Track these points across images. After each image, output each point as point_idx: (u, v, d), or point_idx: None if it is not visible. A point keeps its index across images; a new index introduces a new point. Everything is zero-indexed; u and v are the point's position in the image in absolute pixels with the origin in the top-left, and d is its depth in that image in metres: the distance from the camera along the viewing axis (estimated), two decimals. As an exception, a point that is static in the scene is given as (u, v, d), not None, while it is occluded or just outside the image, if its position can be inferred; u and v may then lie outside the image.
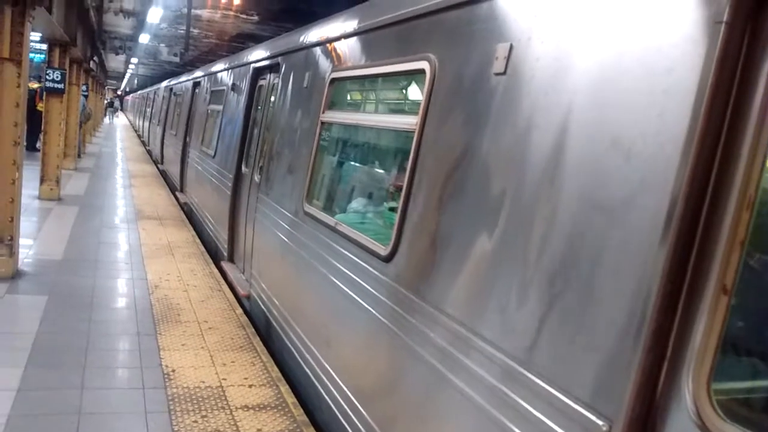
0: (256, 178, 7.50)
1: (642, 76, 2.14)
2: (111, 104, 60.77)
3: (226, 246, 8.69)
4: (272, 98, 7.49)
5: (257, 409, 4.75)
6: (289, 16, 16.64)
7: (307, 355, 4.92)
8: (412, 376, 3.32)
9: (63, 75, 13.77)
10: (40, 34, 13.93)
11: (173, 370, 5.25)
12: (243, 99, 8.94)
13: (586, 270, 2.25)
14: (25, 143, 7.96)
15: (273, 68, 7.69)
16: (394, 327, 3.54)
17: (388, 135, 5.03)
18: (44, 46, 15.32)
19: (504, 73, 2.89)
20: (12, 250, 7.31)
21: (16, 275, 7.40)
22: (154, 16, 18.44)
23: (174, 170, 16.18)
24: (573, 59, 2.50)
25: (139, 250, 9.39)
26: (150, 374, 5.17)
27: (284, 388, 5.12)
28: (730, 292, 1.82)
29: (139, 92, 50.47)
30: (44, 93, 14.25)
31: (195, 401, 4.75)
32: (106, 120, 52.96)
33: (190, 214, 12.70)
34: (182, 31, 21.05)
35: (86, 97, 22.78)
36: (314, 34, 6.20)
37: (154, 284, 7.69)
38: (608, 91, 2.29)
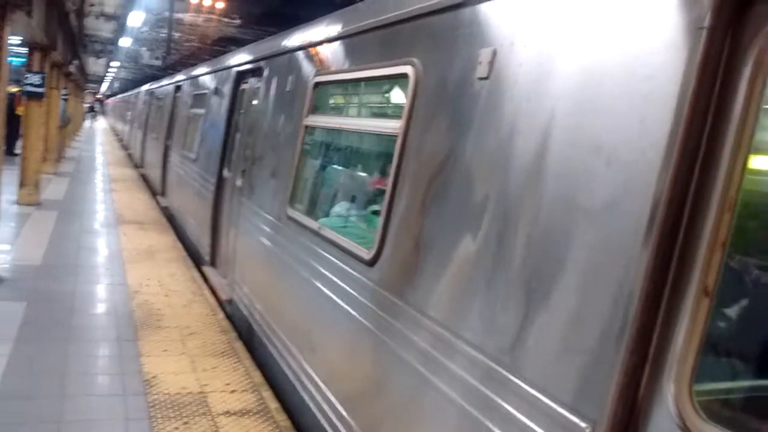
0: (239, 182, 7.47)
1: (624, 81, 2.16)
2: (92, 108, 60.29)
3: (208, 250, 8.63)
4: (255, 102, 7.46)
5: (239, 415, 4.71)
6: (272, 20, 16.61)
7: (290, 360, 4.90)
8: (396, 379, 3.32)
9: (43, 79, 13.64)
10: (20, 38, 13.77)
11: (154, 377, 5.21)
12: (225, 103, 8.90)
13: (568, 273, 2.26)
14: (4, 147, 7.86)
15: (255, 72, 7.66)
16: (377, 331, 3.53)
17: (371, 139, 5.03)
18: (24, 50, 15.15)
19: (487, 77, 2.90)
20: (-10, 255, 7.22)
21: (-7, 281, 7.31)
22: (136, 19, 18.33)
23: (155, 174, 16.06)
24: (556, 64, 2.51)
25: (119, 254, 9.31)
26: (130, 381, 5.11)
27: (267, 394, 5.09)
28: (711, 294, 1.83)
29: (119, 96, 50.11)
30: (23, 97, 14.09)
31: (176, 408, 4.71)
32: (87, 124, 52.53)
33: (171, 219, 12.61)
34: (164, 35, 20.96)
35: (66, 101, 22.56)
36: (297, 38, 6.19)
37: (135, 289, 7.62)
38: (591, 96, 2.31)
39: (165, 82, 18.11)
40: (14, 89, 18.54)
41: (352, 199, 5.10)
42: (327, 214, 5.20)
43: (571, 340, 2.20)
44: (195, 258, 9.54)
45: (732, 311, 2.60)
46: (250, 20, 18.48)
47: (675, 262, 1.90)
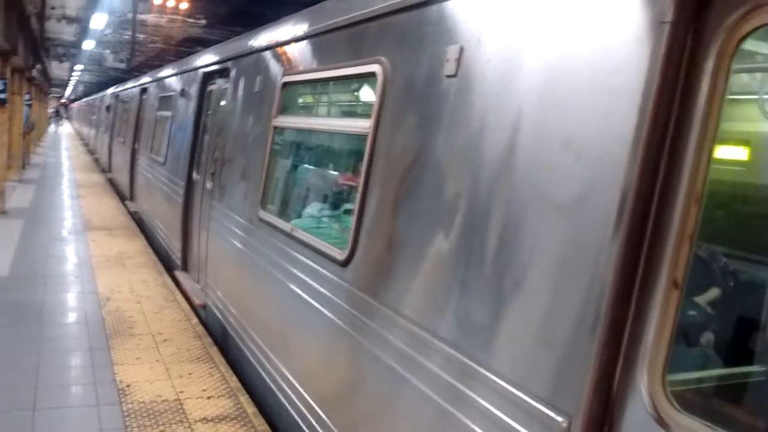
0: (208, 185, 7.39)
1: (590, 77, 2.18)
2: (57, 113, 59.28)
3: (179, 255, 8.54)
4: (223, 103, 7.39)
5: (217, 420, 4.67)
6: (238, 20, 16.45)
7: (267, 364, 4.87)
8: (373, 379, 3.31)
9: (5, 85, 13.35)
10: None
11: (128, 385, 5.14)
12: (192, 105, 8.81)
13: (540, 268, 2.28)
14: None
15: (222, 73, 7.59)
16: (353, 331, 3.52)
17: (341, 139, 5.02)
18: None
19: (455, 75, 2.91)
20: (-46, 267, 7.06)
21: (-41, 293, 7.15)
22: (98, 21, 18.04)
23: (123, 179, 15.86)
24: (523, 60, 2.53)
25: (88, 262, 9.17)
26: (104, 390, 5.04)
27: (244, 398, 5.05)
28: (681, 286, 1.85)
29: (84, 100, 49.35)
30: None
31: (152, 416, 4.65)
32: (51, 129, 51.63)
33: (141, 223, 12.46)
34: (128, 37, 20.66)
35: (30, 106, 22.15)
36: (264, 37, 6.15)
37: (106, 297, 7.51)
38: (558, 92, 2.32)
39: (130, 84, 17.88)
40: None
41: (324, 200, 5.09)
42: (299, 216, 5.17)
43: (544, 335, 2.22)
44: (166, 263, 9.44)
45: (702, 301, 2.64)
46: (216, 20, 18.29)
47: (644, 256, 1.93)
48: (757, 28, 1.79)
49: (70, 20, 18.43)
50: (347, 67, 4.15)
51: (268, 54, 5.86)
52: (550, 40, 2.40)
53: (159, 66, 16.34)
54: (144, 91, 14.19)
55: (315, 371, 4.10)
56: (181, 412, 4.75)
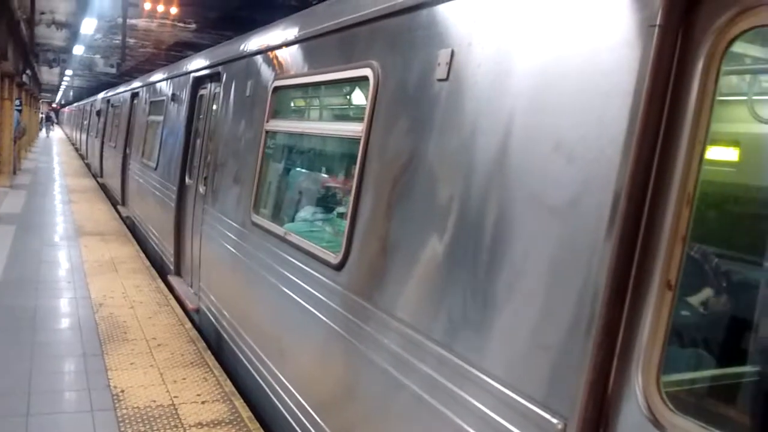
0: (201, 189, 7.38)
1: (581, 80, 2.19)
2: (48, 118, 59.03)
3: (172, 259, 8.52)
4: (214, 108, 7.38)
5: (212, 425, 4.66)
6: (228, 24, 16.43)
7: (261, 368, 4.86)
8: (368, 383, 3.32)
9: (-6, 90, 13.31)
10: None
11: (122, 391, 5.12)
12: (184, 109, 8.79)
13: (534, 270, 2.29)
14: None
15: (214, 77, 7.58)
16: (347, 335, 3.52)
17: (333, 143, 5.02)
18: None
19: (446, 78, 2.92)
20: (-54, 274, 7.01)
21: (-49, 300, 7.11)
22: (88, 27, 17.97)
23: (114, 184, 15.80)
24: (514, 64, 2.54)
25: (81, 267, 9.13)
26: (98, 396, 5.02)
27: (239, 403, 5.04)
28: (674, 288, 1.87)
29: (75, 105, 49.17)
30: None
31: (146, 421, 4.63)
32: (42, 134, 51.41)
33: (133, 228, 12.42)
34: (118, 42, 20.59)
35: (20, 111, 22.05)
36: (255, 42, 6.15)
37: (99, 302, 7.48)
38: (549, 95, 2.33)
39: (121, 89, 17.83)
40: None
41: (318, 204, 5.08)
42: (292, 220, 5.17)
43: (539, 337, 2.22)
44: (159, 268, 9.41)
45: (695, 302, 2.66)
46: (206, 24, 18.26)
47: (637, 257, 1.94)
48: (745, 31, 1.80)
49: (60, 25, 18.38)
50: (339, 71, 4.16)
51: (259, 58, 5.86)
52: (540, 44, 2.41)
53: (150, 70, 16.31)
54: (135, 95, 14.15)
55: (310, 375, 4.10)
56: (175, 417, 4.74)
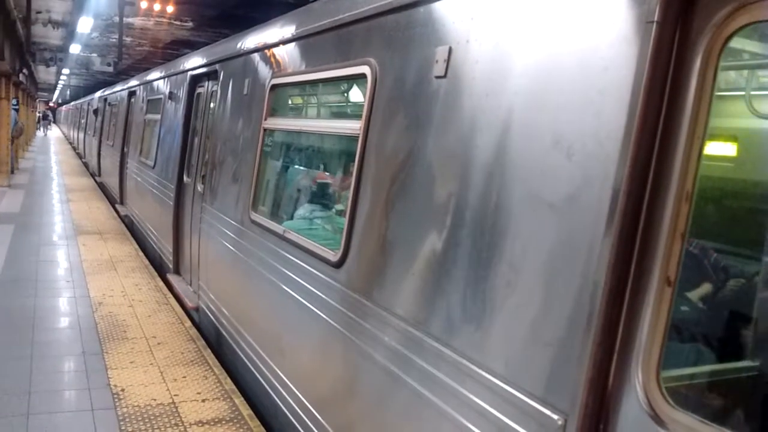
0: (199, 187, 7.38)
1: (579, 76, 2.19)
2: (45, 116, 58.94)
3: (171, 258, 8.52)
4: (212, 106, 7.38)
5: (212, 423, 4.67)
6: (225, 22, 16.40)
7: (261, 365, 4.87)
8: (368, 380, 3.32)
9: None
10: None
11: (122, 389, 5.12)
12: (181, 107, 8.78)
13: (533, 267, 2.29)
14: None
15: (211, 75, 7.57)
16: (347, 332, 3.53)
17: (331, 140, 5.02)
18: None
19: (444, 76, 2.91)
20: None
21: (-50, 300, 7.11)
22: (85, 25, 17.93)
23: (113, 182, 15.79)
24: (512, 60, 2.54)
25: (80, 266, 9.13)
26: (98, 395, 5.02)
27: (239, 401, 5.05)
28: (673, 284, 1.87)
29: (72, 103, 49.09)
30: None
31: (147, 420, 4.64)
32: (40, 133, 51.33)
33: (131, 227, 12.41)
34: (114, 40, 20.54)
35: (17, 110, 22.01)
36: (252, 40, 6.14)
37: (98, 301, 7.48)
38: (547, 91, 2.33)
39: (118, 88, 17.80)
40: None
41: (316, 201, 5.08)
42: (291, 217, 5.17)
43: (539, 333, 2.23)
44: (158, 266, 9.41)
45: (694, 297, 2.67)
46: (203, 23, 18.22)
47: (637, 253, 1.94)
48: (743, 27, 1.80)
49: (56, 24, 18.34)
50: (336, 68, 4.15)
51: (256, 56, 5.85)
52: (538, 40, 2.41)
53: (147, 69, 16.28)
54: (132, 94, 14.13)
55: (310, 372, 4.11)
56: (176, 415, 4.74)
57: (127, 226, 12.70)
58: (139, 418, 4.65)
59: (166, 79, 10.48)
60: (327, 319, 3.78)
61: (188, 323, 6.91)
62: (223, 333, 5.94)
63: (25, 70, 23.81)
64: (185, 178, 8.35)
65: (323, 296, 3.85)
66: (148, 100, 11.87)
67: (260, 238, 5.06)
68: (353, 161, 3.65)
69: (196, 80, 8.33)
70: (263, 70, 5.60)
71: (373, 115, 3.52)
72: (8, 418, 4.57)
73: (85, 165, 25.54)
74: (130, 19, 18.31)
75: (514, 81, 2.50)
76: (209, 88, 7.68)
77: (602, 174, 2.03)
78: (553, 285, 2.19)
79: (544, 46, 2.37)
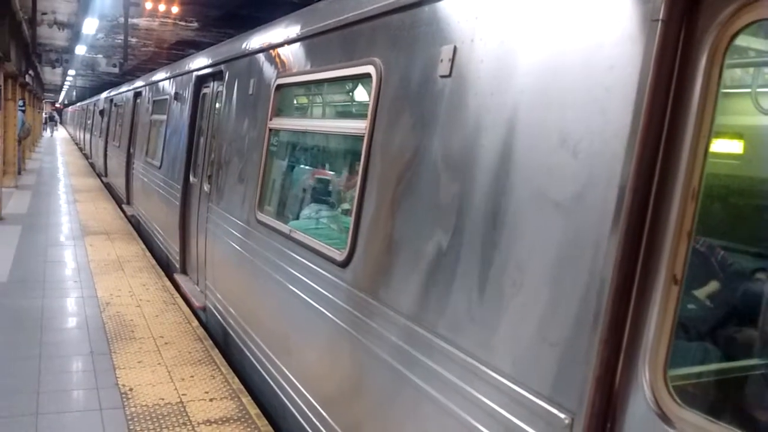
0: (206, 187, 7.40)
1: (584, 74, 2.19)
2: (51, 117, 59.15)
3: (177, 258, 8.54)
4: (218, 106, 7.40)
5: (220, 422, 4.69)
6: (230, 23, 16.41)
7: (268, 365, 4.88)
8: (374, 379, 3.33)
9: (-3, 91, 13.33)
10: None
11: (130, 389, 5.15)
12: (187, 108, 8.80)
13: (540, 265, 2.29)
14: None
15: (216, 76, 7.59)
16: (354, 331, 3.54)
17: (337, 140, 5.02)
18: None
19: (449, 75, 2.92)
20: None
21: (-42, 301, 7.15)
22: (90, 26, 17.97)
23: (119, 183, 15.84)
24: (517, 59, 2.54)
25: (87, 266, 9.17)
26: (107, 394, 5.05)
27: (246, 400, 5.07)
28: (680, 282, 1.87)
29: (78, 104, 49.26)
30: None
31: (155, 419, 4.66)
32: (46, 134, 51.52)
33: (138, 227, 12.45)
34: (120, 41, 20.58)
35: (24, 111, 22.09)
36: (257, 40, 6.15)
37: (106, 301, 7.51)
38: (553, 90, 2.33)
39: (124, 88, 17.85)
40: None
41: (322, 201, 5.09)
42: (297, 217, 5.18)
43: (545, 332, 2.23)
44: (165, 266, 9.44)
45: (701, 296, 2.66)
46: (208, 23, 18.23)
47: (643, 252, 1.94)
48: (748, 24, 1.80)
49: (62, 25, 18.37)
50: (341, 68, 4.16)
51: (261, 56, 5.86)
52: (543, 39, 2.41)
53: (152, 69, 16.31)
54: (138, 95, 14.17)
55: (317, 371, 4.12)
56: (184, 414, 4.76)
57: (133, 226, 12.74)
58: (148, 418, 4.67)
59: (171, 79, 10.51)
60: (334, 318, 3.79)
61: (195, 323, 6.94)
62: (231, 332, 5.96)
63: (31, 72, 23.90)
64: (191, 178, 8.37)
65: (330, 295, 3.86)
66: (154, 101, 11.90)
67: (266, 238, 5.07)
68: (359, 161, 3.65)
69: (201, 81, 8.35)
70: (268, 70, 5.61)
71: (378, 115, 3.52)
72: (17, 417, 4.60)
73: (92, 165, 25.62)
74: (135, 20, 18.34)
75: (520, 80, 2.50)
76: (215, 88, 7.70)
77: (608, 172, 2.03)
78: (560, 283, 2.19)
79: (549, 44, 2.37)
